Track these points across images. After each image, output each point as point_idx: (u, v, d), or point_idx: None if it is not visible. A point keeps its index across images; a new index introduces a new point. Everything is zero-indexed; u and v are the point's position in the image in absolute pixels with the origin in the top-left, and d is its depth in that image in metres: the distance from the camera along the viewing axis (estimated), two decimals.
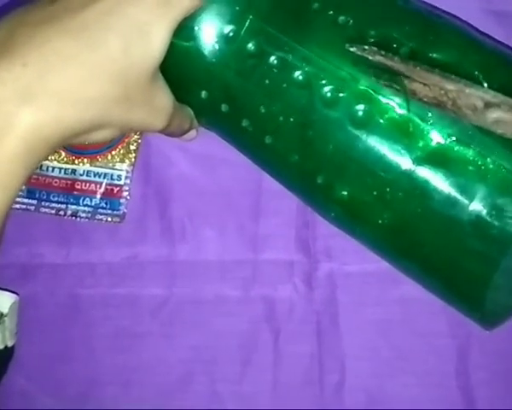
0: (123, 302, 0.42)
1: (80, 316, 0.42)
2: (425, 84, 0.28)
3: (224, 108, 0.34)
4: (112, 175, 0.43)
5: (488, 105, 0.26)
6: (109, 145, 0.43)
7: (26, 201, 0.43)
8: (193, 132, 0.39)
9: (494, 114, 0.26)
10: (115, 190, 0.43)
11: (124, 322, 0.42)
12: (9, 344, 0.38)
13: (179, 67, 0.33)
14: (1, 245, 0.29)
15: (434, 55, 0.30)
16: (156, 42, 0.29)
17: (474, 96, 0.27)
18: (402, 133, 0.30)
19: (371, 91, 0.30)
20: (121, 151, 0.43)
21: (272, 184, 0.41)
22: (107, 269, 0.43)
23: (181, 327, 0.42)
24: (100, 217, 0.43)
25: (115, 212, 0.43)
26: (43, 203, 0.43)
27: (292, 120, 0.32)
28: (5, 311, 0.38)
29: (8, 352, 0.39)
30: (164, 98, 0.32)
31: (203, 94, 0.34)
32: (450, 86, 0.28)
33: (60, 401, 0.41)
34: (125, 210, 0.43)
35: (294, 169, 0.33)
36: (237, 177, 0.43)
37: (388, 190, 0.31)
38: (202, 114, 0.36)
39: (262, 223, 0.43)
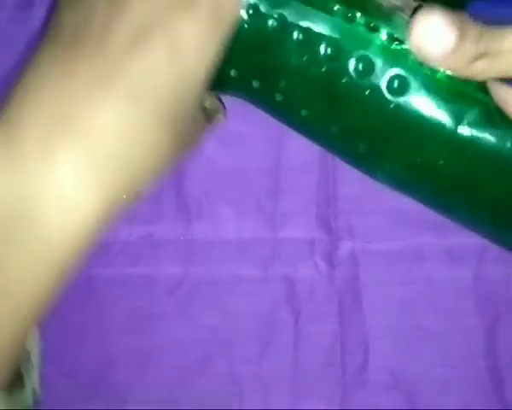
0: (138, 282, 0.41)
1: (95, 296, 0.41)
2: None
3: (255, 84, 0.32)
4: None
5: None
6: None
7: None
8: (221, 118, 0.37)
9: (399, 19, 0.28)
10: None
11: (139, 302, 0.41)
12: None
13: None
14: None
15: None
16: (202, 71, 0.28)
17: None
18: (445, 94, 0.29)
19: (403, 57, 0.29)
20: None
21: (292, 159, 0.41)
22: (122, 248, 0.41)
23: (198, 307, 0.41)
24: None
25: None
26: None
27: (326, 93, 0.31)
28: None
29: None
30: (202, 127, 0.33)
31: (232, 72, 0.33)
32: None
33: (74, 382, 0.41)
34: None
35: (334, 139, 0.32)
36: (255, 152, 0.41)
37: (439, 150, 0.29)
38: (235, 92, 0.35)
39: (281, 200, 0.41)
